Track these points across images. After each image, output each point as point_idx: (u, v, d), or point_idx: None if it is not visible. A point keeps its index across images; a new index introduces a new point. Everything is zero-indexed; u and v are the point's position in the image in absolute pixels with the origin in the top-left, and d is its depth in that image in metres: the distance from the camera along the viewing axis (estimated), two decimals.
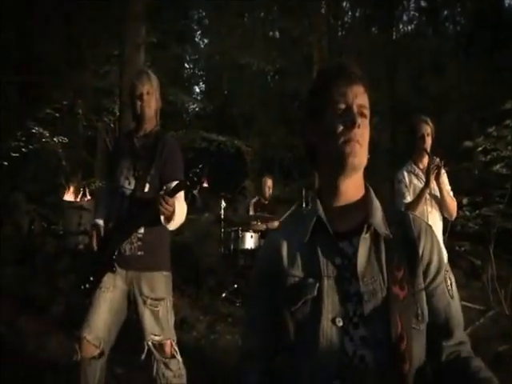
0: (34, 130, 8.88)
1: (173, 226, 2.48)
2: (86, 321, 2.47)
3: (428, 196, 3.12)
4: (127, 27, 6.73)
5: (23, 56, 9.17)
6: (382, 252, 1.14)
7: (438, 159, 3.12)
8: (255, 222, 6.10)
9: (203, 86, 20.20)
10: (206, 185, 2.30)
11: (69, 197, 8.54)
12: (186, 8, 16.00)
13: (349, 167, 1.15)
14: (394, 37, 14.42)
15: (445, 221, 3.32)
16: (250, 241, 5.86)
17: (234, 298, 5.56)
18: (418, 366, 1.09)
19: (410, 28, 18.01)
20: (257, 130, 14.46)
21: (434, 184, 3.10)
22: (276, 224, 5.69)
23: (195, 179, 2.21)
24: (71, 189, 8.80)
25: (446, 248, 3.17)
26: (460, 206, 3.30)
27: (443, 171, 3.15)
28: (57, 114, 9.25)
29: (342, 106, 1.15)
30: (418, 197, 3.09)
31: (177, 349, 2.58)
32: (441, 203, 3.15)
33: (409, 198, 3.16)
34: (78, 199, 8.43)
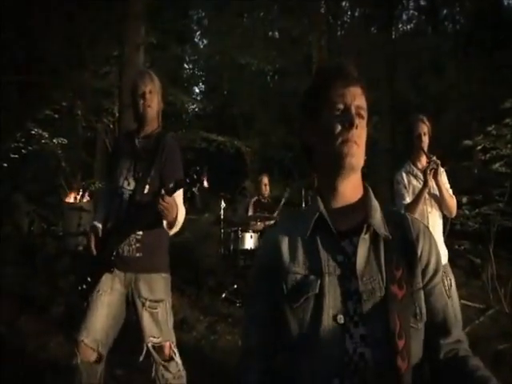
0: (33, 131, 8.88)
1: (174, 230, 2.48)
2: (83, 324, 2.46)
3: (427, 196, 3.11)
4: (127, 28, 6.73)
5: (23, 56, 9.17)
6: (381, 252, 1.15)
7: (435, 157, 3.12)
8: (255, 223, 6.11)
9: (203, 86, 20.20)
10: (206, 185, 2.30)
11: (70, 199, 8.55)
12: (186, 8, 15.99)
13: (346, 167, 1.16)
14: (394, 36, 14.39)
15: (444, 219, 3.32)
16: (249, 241, 5.86)
17: (233, 298, 5.56)
18: (417, 364, 1.10)
19: (409, 27, 18.05)
20: (257, 130, 14.46)
21: (432, 183, 3.10)
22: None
23: (195, 177, 2.21)
24: (71, 191, 8.81)
25: (447, 247, 3.17)
26: (460, 205, 3.30)
27: (442, 170, 3.15)
28: (56, 115, 9.26)
29: (340, 107, 1.17)
30: (418, 197, 3.08)
31: (176, 351, 2.57)
32: (440, 201, 3.14)
33: (408, 199, 3.16)
34: (78, 200, 8.43)
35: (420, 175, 3.18)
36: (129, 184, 2.57)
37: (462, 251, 6.01)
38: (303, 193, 6.53)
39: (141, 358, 2.47)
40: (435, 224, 3.10)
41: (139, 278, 2.50)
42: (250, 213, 6.36)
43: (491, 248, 5.32)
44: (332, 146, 1.16)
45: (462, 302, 2.88)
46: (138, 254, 2.49)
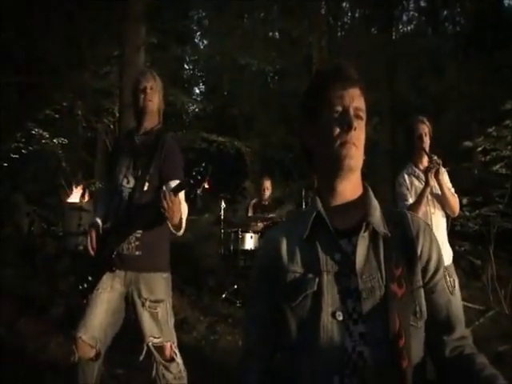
0: (33, 132, 8.90)
1: (180, 231, 2.46)
2: (81, 321, 2.45)
3: (430, 196, 3.11)
4: (127, 28, 6.74)
5: (23, 56, 9.17)
6: (381, 250, 1.15)
7: (436, 157, 3.12)
8: (255, 223, 6.11)
9: (203, 86, 20.18)
10: (206, 186, 2.29)
11: (71, 199, 8.55)
12: (186, 9, 15.99)
13: (345, 169, 1.17)
14: (394, 37, 14.40)
15: (446, 220, 3.31)
16: (249, 241, 5.87)
17: (234, 298, 5.56)
18: (417, 363, 1.10)
19: (409, 28, 18.05)
20: (257, 130, 14.46)
21: (434, 183, 3.10)
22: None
23: (199, 177, 2.18)
24: (72, 191, 8.81)
25: (451, 246, 3.18)
26: (460, 206, 3.29)
27: (443, 169, 3.15)
28: (56, 115, 9.27)
29: (339, 109, 1.18)
30: (420, 197, 3.08)
31: (177, 351, 2.56)
32: (443, 201, 3.14)
33: (411, 201, 3.15)
34: (78, 200, 8.44)
35: (422, 176, 3.17)
36: (128, 182, 2.56)
37: (462, 252, 6.01)
38: (303, 193, 6.52)
39: (141, 358, 2.47)
40: (439, 224, 3.09)
41: (139, 277, 2.49)
42: (250, 214, 6.37)
43: (491, 249, 5.32)
44: (331, 148, 1.16)
45: (463, 303, 2.87)
46: (137, 253, 2.48)
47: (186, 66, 18.17)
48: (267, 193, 6.46)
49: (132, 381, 3.37)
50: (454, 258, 3.12)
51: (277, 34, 16.44)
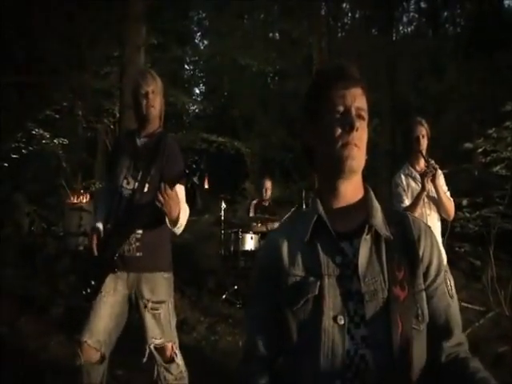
0: (34, 132, 8.90)
1: (179, 229, 2.46)
2: (86, 325, 2.44)
3: (426, 199, 3.12)
4: (127, 28, 6.74)
5: (23, 56, 9.17)
6: (383, 253, 1.14)
7: (433, 161, 3.12)
8: (255, 224, 6.11)
9: (203, 87, 20.20)
10: (206, 186, 2.29)
11: (70, 199, 8.55)
12: (186, 9, 15.99)
13: (347, 170, 1.16)
14: (394, 38, 14.43)
15: (445, 222, 3.32)
16: (250, 242, 5.87)
17: (234, 299, 5.56)
18: (419, 367, 1.09)
19: (409, 29, 18.07)
20: (257, 131, 14.47)
21: (430, 186, 3.10)
22: (276, 225, 5.70)
23: (194, 166, 2.19)
24: (73, 192, 8.80)
25: (446, 249, 3.18)
26: (460, 208, 3.31)
27: (439, 172, 3.16)
28: (57, 116, 9.27)
29: (341, 109, 1.16)
30: (416, 201, 3.09)
31: (178, 352, 2.56)
32: (438, 204, 3.15)
33: (407, 202, 3.16)
34: (78, 200, 8.43)
35: (418, 177, 3.18)
36: (128, 183, 2.55)
37: (462, 253, 6.01)
38: (303, 194, 6.52)
39: (144, 360, 2.47)
40: (434, 226, 3.09)
41: (142, 278, 2.49)
42: (251, 214, 6.37)
43: (491, 250, 5.32)
44: (332, 148, 1.15)
45: (462, 304, 2.88)
46: (138, 254, 2.47)
47: (186, 66, 18.21)
48: (268, 193, 6.47)
49: (133, 382, 3.37)
50: (450, 259, 3.12)
51: (277, 34, 16.46)
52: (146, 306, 2.46)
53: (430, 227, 1.24)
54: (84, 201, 8.34)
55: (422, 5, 17.19)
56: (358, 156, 1.15)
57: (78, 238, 6.87)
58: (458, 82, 12.12)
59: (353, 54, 11.38)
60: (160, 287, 2.52)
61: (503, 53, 10.14)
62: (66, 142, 9.47)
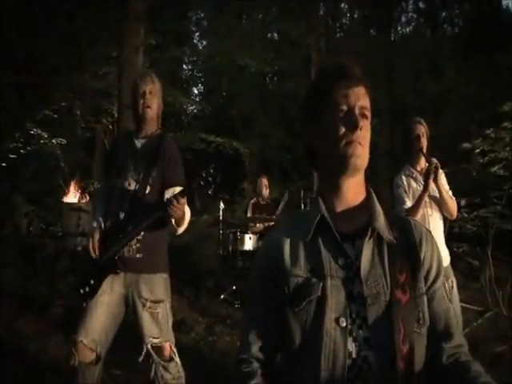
0: (32, 132, 8.89)
1: (182, 230, 2.48)
2: (81, 324, 2.44)
3: (428, 198, 3.09)
4: (126, 28, 6.74)
5: (23, 56, 9.16)
6: (385, 256, 1.14)
7: (435, 160, 3.11)
8: (254, 224, 6.11)
9: (202, 87, 20.15)
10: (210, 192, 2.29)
11: (68, 199, 8.54)
12: (185, 9, 16.00)
13: (351, 168, 1.15)
14: (393, 38, 14.45)
15: (443, 222, 3.32)
16: (248, 242, 5.87)
17: (232, 299, 5.56)
18: (420, 369, 1.09)
19: (408, 30, 18.09)
20: (255, 131, 14.46)
21: (432, 185, 3.09)
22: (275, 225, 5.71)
23: (210, 179, 2.21)
24: (70, 191, 8.80)
25: (449, 248, 3.17)
26: (458, 208, 3.29)
27: (441, 171, 3.14)
28: (55, 116, 9.27)
29: (344, 108, 1.15)
30: (418, 201, 3.06)
31: (175, 351, 2.56)
32: (441, 204, 3.13)
33: (408, 203, 3.13)
34: (77, 201, 8.43)
35: (419, 178, 3.17)
36: (129, 184, 2.54)
37: (460, 254, 6.02)
38: (302, 194, 6.53)
39: (140, 359, 2.47)
40: (436, 226, 3.09)
41: (139, 278, 2.49)
42: (249, 214, 6.37)
43: (489, 250, 5.32)
44: (336, 147, 1.14)
45: (461, 304, 2.88)
46: (138, 255, 2.48)
47: (184, 66, 18.19)
48: (265, 191, 6.46)
49: (130, 381, 3.36)
50: (451, 259, 3.12)
51: (276, 34, 16.50)
52: (144, 305, 2.46)
53: (430, 232, 1.24)
54: (83, 200, 8.35)
55: (421, 5, 17.26)
56: (362, 154, 1.15)
57: (77, 238, 6.86)
58: (456, 83, 12.14)
59: (351, 54, 11.40)
60: (158, 287, 2.52)
61: (501, 53, 10.17)
62: (64, 142, 9.47)
